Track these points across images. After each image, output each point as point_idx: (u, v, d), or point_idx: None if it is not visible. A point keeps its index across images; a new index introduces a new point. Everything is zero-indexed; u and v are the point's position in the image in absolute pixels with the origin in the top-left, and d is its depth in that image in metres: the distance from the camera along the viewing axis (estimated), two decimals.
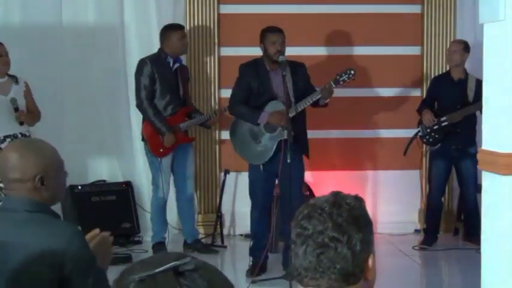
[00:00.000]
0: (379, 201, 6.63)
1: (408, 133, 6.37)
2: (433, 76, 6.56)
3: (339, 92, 6.09)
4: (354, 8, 6.67)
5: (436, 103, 6.25)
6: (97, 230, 2.44)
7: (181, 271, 1.17)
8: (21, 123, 5.36)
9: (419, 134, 6.22)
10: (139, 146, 6.35)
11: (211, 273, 1.20)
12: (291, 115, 5.11)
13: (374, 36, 6.67)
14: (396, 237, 6.40)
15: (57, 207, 3.76)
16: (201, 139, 6.60)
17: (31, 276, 2.17)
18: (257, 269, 5.28)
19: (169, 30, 5.87)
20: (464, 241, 6.34)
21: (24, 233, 2.20)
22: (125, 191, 6.44)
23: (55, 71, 6.37)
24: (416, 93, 6.75)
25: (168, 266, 1.16)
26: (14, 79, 5.43)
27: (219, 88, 6.64)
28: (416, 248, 6.18)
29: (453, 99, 6.09)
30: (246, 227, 5.89)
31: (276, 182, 5.36)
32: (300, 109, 5.19)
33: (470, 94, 6.07)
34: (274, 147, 5.24)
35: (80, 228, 2.33)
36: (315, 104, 5.28)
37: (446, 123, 6.06)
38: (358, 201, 1.69)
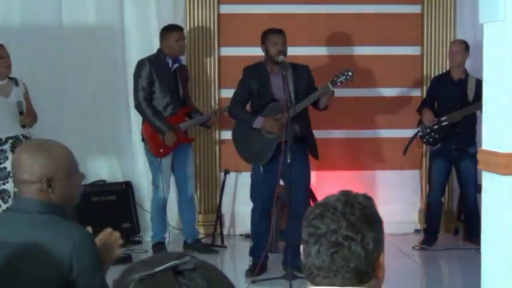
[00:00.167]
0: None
1: (408, 133, 6.37)
2: (433, 76, 6.56)
3: (338, 92, 6.09)
4: (354, 8, 6.68)
5: (436, 103, 6.25)
6: (109, 229, 2.45)
7: (181, 270, 1.17)
8: (24, 126, 5.39)
9: (419, 134, 6.22)
10: (139, 146, 6.35)
11: (211, 273, 1.20)
12: (290, 115, 5.12)
13: (374, 36, 6.67)
14: (396, 237, 6.40)
15: None
16: (201, 139, 6.61)
17: (40, 278, 2.16)
18: (257, 269, 5.29)
19: (167, 31, 5.88)
20: (464, 241, 6.34)
21: (34, 234, 2.19)
22: (124, 191, 6.44)
23: (55, 71, 6.38)
24: (416, 93, 6.75)
25: (167, 265, 1.16)
26: (14, 81, 5.44)
27: (219, 88, 6.64)
28: (416, 248, 6.18)
29: (453, 99, 6.09)
30: (246, 227, 5.89)
31: (281, 182, 5.37)
32: (299, 110, 5.20)
33: (470, 94, 6.07)
34: (273, 148, 5.25)
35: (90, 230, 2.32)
36: (315, 106, 5.30)
37: (446, 123, 6.06)
38: (368, 200, 1.70)
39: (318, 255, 1.63)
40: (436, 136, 6.12)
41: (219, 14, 6.63)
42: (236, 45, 6.54)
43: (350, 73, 5.20)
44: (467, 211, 6.31)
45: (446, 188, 6.47)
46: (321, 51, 6.66)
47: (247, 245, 5.61)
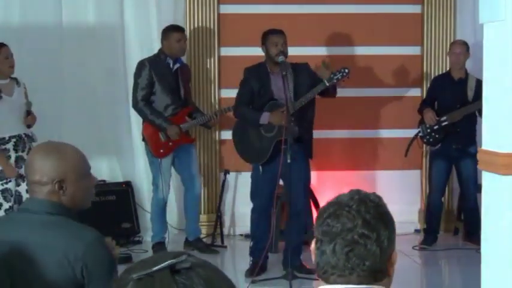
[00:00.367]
0: None
1: (408, 133, 6.37)
2: (433, 76, 6.56)
3: (338, 93, 6.10)
4: (354, 8, 6.67)
5: (436, 103, 6.25)
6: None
7: (178, 269, 1.17)
8: (29, 126, 5.41)
9: (420, 134, 6.22)
10: (139, 146, 6.35)
11: (210, 272, 1.20)
12: (291, 113, 5.13)
13: (374, 36, 6.66)
14: (396, 237, 6.38)
15: None
16: (201, 139, 6.60)
17: (52, 279, 2.16)
18: (257, 269, 5.29)
19: (168, 31, 5.89)
20: (464, 241, 6.34)
21: (45, 235, 2.20)
22: (124, 191, 6.44)
23: (55, 71, 6.38)
24: (416, 93, 6.75)
25: (164, 264, 1.16)
26: (15, 81, 5.44)
27: (219, 88, 6.64)
28: (416, 248, 6.18)
29: (453, 99, 6.09)
30: (246, 227, 5.89)
31: (281, 182, 5.37)
32: (298, 107, 5.19)
33: (470, 94, 6.07)
34: (272, 147, 5.26)
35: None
36: (324, 94, 5.30)
37: (446, 122, 6.06)
38: (379, 198, 1.72)
39: (333, 253, 1.63)
40: (437, 136, 6.12)
41: (219, 14, 6.63)
42: (236, 45, 6.54)
43: (346, 70, 5.22)
44: (467, 211, 6.31)
45: (446, 188, 6.46)
46: (321, 51, 6.66)
47: (247, 245, 5.61)
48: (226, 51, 6.64)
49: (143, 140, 5.97)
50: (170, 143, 5.87)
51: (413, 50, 6.78)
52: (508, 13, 3.22)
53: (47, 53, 6.31)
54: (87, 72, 6.47)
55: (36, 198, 2.28)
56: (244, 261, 5.48)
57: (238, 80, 5.49)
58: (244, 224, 6.18)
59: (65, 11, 6.42)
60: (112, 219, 6.15)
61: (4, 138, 5.29)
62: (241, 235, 6.53)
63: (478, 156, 3.50)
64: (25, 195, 5.12)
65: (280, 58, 5.16)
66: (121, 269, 1.24)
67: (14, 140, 5.32)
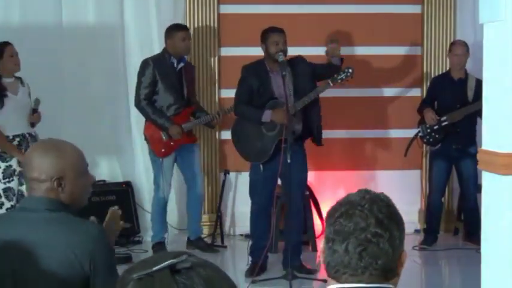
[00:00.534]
0: None
1: (408, 133, 6.36)
2: (433, 76, 6.56)
3: (338, 92, 6.10)
4: (354, 8, 6.67)
5: (436, 103, 6.24)
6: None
7: (178, 269, 1.17)
8: (33, 125, 5.41)
9: (420, 134, 6.21)
10: (139, 146, 6.35)
11: (210, 272, 1.20)
12: (292, 113, 5.13)
13: (374, 36, 6.66)
14: None
15: None
16: (201, 139, 6.60)
17: (57, 274, 2.17)
18: (257, 269, 5.28)
19: (172, 30, 5.88)
20: (464, 241, 6.34)
21: (46, 232, 2.20)
22: (125, 191, 6.44)
23: (55, 71, 6.38)
24: (416, 93, 6.75)
25: (164, 264, 1.16)
26: (20, 80, 5.46)
27: (220, 88, 6.64)
28: (416, 248, 6.17)
29: (453, 99, 6.09)
30: (246, 227, 5.88)
31: (279, 182, 5.37)
32: (299, 107, 5.20)
33: (470, 94, 6.07)
34: (273, 146, 5.25)
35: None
36: (332, 70, 5.30)
37: (446, 122, 6.06)
38: (388, 198, 1.72)
39: (345, 252, 1.63)
40: (437, 136, 6.12)
41: (219, 14, 6.63)
42: (236, 45, 6.54)
43: (350, 70, 5.23)
44: (467, 211, 6.31)
45: (446, 188, 6.46)
46: (321, 51, 6.63)
47: (247, 245, 5.61)
48: (227, 51, 6.64)
49: (145, 139, 5.96)
50: (172, 143, 5.86)
51: (413, 50, 6.78)
52: (508, 13, 3.22)
53: (47, 53, 6.31)
54: (87, 72, 6.47)
55: (35, 196, 2.29)
56: (244, 261, 5.48)
57: (238, 80, 5.48)
58: (244, 224, 6.18)
59: (65, 11, 6.42)
60: None
61: (8, 137, 5.30)
62: (241, 235, 6.53)
63: (478, 156, 3.50)
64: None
65: (281, 57, 5.15)
66: (121, 269, 1.23)
67: (17, 139, 5.32)
